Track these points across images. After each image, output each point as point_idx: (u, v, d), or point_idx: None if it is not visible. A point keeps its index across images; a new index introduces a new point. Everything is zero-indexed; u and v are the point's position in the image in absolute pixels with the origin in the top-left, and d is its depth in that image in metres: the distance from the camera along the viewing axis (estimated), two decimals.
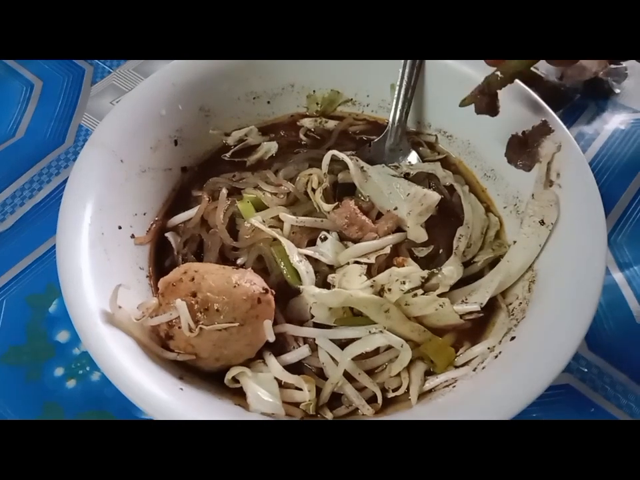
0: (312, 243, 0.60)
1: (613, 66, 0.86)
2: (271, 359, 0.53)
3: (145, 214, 0.63)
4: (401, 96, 0.67)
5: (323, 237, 0.59)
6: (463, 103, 0.56)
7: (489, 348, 0.54)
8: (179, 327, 0.50)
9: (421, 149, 0.70)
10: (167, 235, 0.63)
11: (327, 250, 0.57)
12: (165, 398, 0.46)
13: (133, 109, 0.62)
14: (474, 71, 0.63)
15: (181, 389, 0.48)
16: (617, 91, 0.87)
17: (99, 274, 0.52)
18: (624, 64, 0.87)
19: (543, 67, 0.83)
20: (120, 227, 0.59)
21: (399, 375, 0.54)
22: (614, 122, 0.85)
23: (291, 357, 0.54)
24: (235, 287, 0.51)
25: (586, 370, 0.64)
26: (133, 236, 0.61)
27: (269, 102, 0.73)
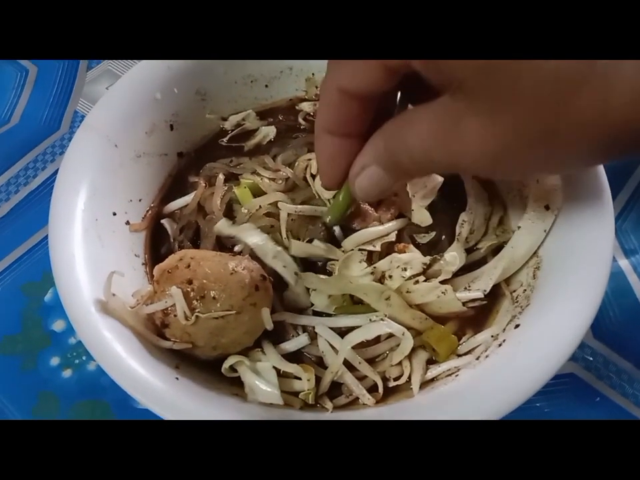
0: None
1: None
2: (270, 348, 0.52)
3: (140, 200, 0.62)
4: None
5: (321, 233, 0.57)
6: None
7: (492, 336, 0.53)
8: (175, 315, 0.48)
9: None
10: (162, 221, 0.62)
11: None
12: (160, 387, 0.45)
13: (127, 92, 0.61)
14: None
15: (177, 378, 0.47)
16: None
17: (92, 261, 0.51)
18: None
19: None
20: (114, 214, 0.58)
21: (400, 363, 0.52)
22: None
23: (290, 345, 0.53)
24: (231, 273, 0.50)
25: (591, 358, 0.63)
26: (128, 222, 0.59)
27: (266, 85, 0.71)
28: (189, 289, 0.49)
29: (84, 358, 0.65)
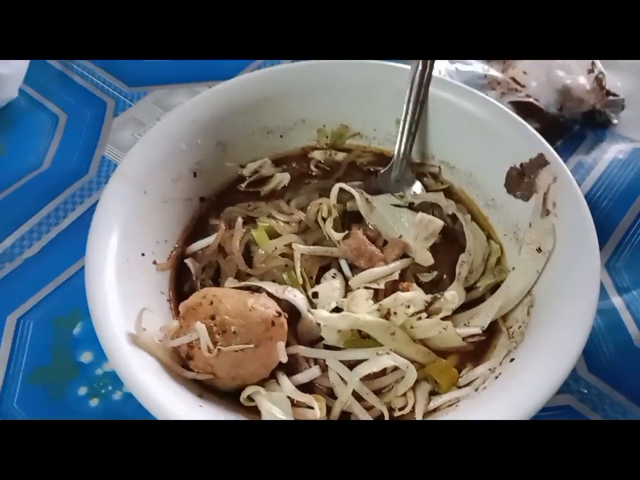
0: (323, 269, 0.63)
1: (610, 98, 0.89)
2: (284, 379, 0.56)
3: (165, 241, 0.67)
4: (406, 130, 0.71)
5: (333, 274, 0.62)
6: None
7: (490, 369, 0.57)
8: (199, 348, 0.53)
9: (425, 179, 0.73)
10: (186, 261, 0.67)
11: (337, 286, 0.61)
12: (187, 414, 0.49)
13: (156, 143, 0.67)
14: (475, 106, 0.67)
15: (201, 405, 0.52)
16: (615, 121, 0.90)
17: (124, 298, 0.56)
18: (621, 96, 0.90)
19: (543, 99, 0.86)
20: (143, 254, 0.63)
21: (404, 394, 0.56)
22: (612, 151, 0.88)
23: (303, 377, 0.57)
24: (250, 310, 0.54)
25: (586, 391, 0.66)
26: (155, 262, 0.64)
27: (281, 136, 0.77)
28: (211, 324, 0.53)
29: (110, 388, 0.68)
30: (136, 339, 0.53)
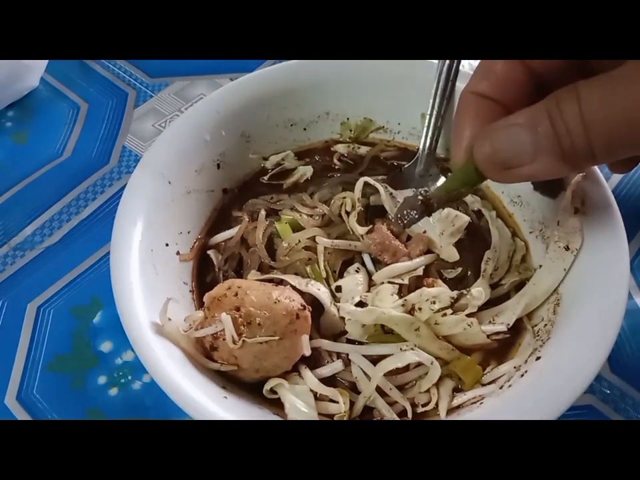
0: (346, 263, 0.63)
1: None
2: (307, 372, 0.56)
3: (189, 232, 0.67)
4: (431, 124, 0.70)
5: (356, 269, 0.62)
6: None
7: (515, 367, 0.57)
8: (223, 339, 0.53)
9: (449, 174, 0.73)
10: (209, 252, 0.67)
11: (360, 280, 0.61)
12: (211, 404, 0.49)
13: (180, 134, 0.67)
14: None
15: (225, 397, 0.51)
16: None
17: (148, 288, 0.56)
18: None
19: None
20: (167, 244, 0.63)
21: (428, 390, 0.56)
22: None
23: (326, 370, 0.57)
24: (275, 302, 0.54)
25: (608, 391, 0.66)
26: (178, 253, 0.64)
27: (305, 129, 0.77)
28: (236, 315, 0.53)
29: (129, 378, 0.69)
30: (161, 328, 0.53)
